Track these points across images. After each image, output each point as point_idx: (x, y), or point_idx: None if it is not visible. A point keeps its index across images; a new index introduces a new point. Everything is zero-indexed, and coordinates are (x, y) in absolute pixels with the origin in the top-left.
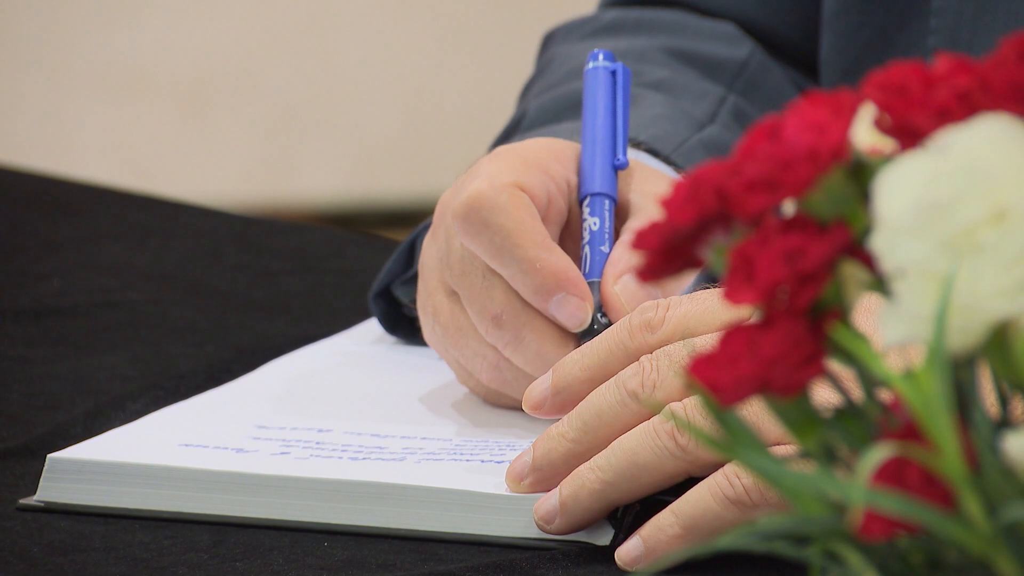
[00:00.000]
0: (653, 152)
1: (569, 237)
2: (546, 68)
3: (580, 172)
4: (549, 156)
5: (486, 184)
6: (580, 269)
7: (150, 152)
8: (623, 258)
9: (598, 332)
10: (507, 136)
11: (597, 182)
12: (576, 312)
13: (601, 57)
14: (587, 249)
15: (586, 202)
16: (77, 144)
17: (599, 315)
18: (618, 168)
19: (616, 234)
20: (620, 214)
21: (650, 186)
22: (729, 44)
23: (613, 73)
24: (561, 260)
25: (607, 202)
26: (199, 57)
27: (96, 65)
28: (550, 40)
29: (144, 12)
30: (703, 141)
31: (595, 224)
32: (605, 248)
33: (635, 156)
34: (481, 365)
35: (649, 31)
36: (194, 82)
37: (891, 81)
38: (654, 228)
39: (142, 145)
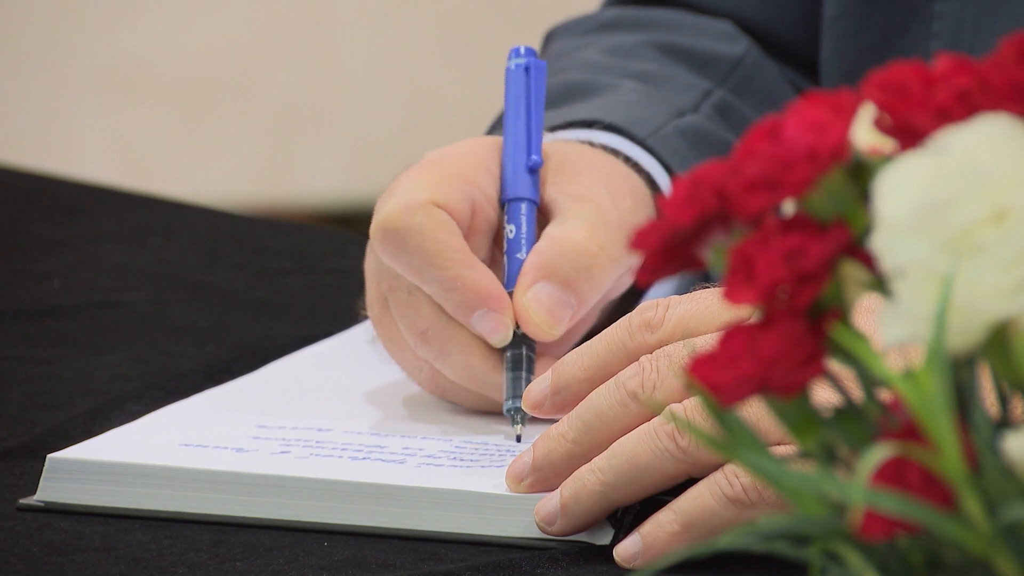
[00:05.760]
0: (629, 136)
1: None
2: None
3: (501, 176)
4: (475, 163)
5: (400, 205)
6: (504, 278)
7: (150, 152)
8: (533, 267)
9: (517, 343)
10: (494, 128)
11: (511, 186)
12: (497, 328)
13: (523, 51)
14: (506, 258)
15: (505, 208)
16: (77, 144)
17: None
18: (532, 168)
19: (538, 238)
20: (545, 215)
21: (575, 185)
22: (725, 41)
23: (527, 70)
24: (482, 276)
25: (523, 206)
26: (199, 57)
27: (96, 65)
28: (551, 38)
29: (144, 12)
30: (680, 128)
31: (511, 231)
32: (521, 255)
33: (610, 139)
34: (419, 376)
35: (646, 28)
36: (194, 82)
37: (891, 81)
38: (654, 228)
39: (142, 145)
